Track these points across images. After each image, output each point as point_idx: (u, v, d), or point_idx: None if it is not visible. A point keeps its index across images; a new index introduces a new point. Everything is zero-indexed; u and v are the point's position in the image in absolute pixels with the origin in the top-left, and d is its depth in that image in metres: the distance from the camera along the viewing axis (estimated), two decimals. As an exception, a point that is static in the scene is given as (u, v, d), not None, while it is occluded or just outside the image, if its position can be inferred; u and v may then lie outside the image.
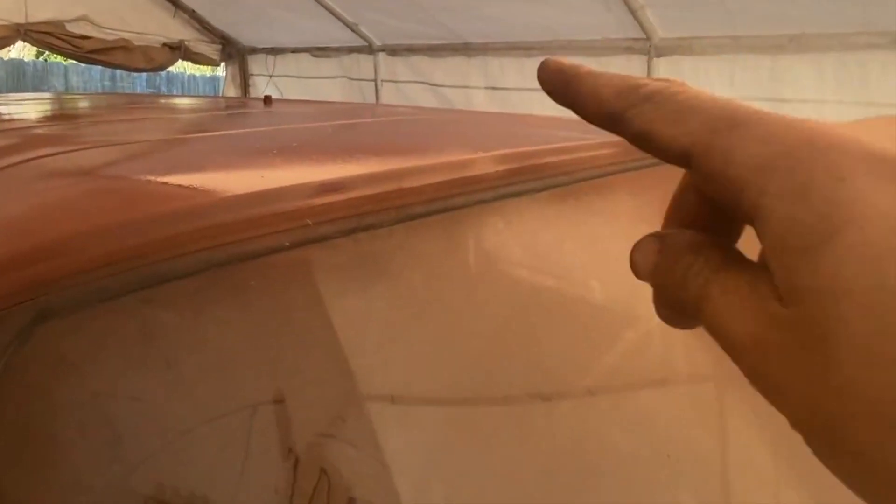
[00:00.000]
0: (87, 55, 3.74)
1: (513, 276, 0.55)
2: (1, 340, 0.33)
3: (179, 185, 0.42)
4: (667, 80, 0.18)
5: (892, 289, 0.12)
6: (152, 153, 0.55)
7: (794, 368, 0.14)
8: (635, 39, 2.21)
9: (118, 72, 5.94)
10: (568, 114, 0.20)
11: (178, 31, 4.25)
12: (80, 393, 0.33)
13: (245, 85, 4.78)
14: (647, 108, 0.17)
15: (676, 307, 0.18)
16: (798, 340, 0.14)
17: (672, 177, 0.20)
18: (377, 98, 3.64)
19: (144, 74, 6.04)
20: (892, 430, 0.12)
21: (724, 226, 0.18)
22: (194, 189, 0.42)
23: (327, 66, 3.98)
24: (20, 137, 0.67)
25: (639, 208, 0.75)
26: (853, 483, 0.14)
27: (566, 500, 0.42)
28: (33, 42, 3.59)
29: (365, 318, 0.42)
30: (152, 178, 0.45)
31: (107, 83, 7.38)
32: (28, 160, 0.54)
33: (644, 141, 0.17)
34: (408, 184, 0.51)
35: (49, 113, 1.03)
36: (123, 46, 3.88)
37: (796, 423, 0.14)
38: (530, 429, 0.47)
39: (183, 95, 1.94)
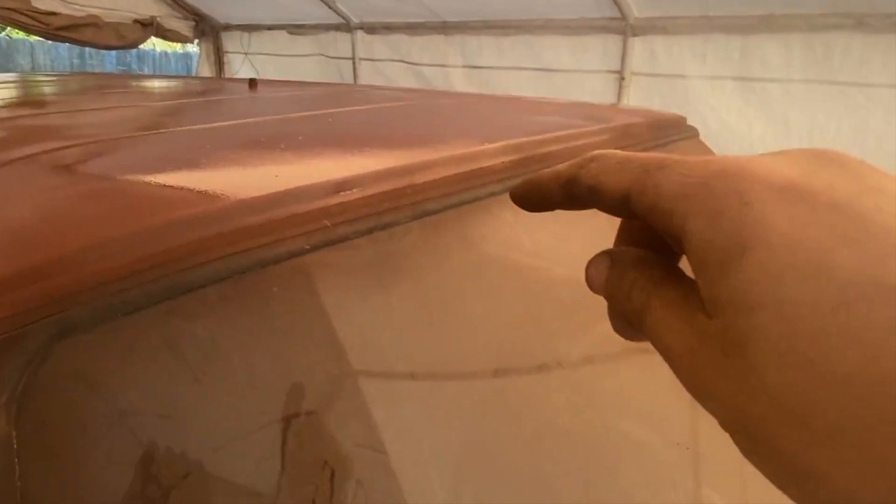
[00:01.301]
0: (55, 32, 3.53)
1: (529, 268, 0.54)
2: (20, 359, 0.31)
3: (196, 189, 0.39)
4: (609, 150, 0.21)
5: (794, 300, 0.14)
6: (155, 150, 0.51)
7: (719, 374, 0.15)
8: (611, 19, 2.18)
9: (87, 49, 5.64)
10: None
11: (150, 6, 4.03)
12: (106, 411, 0.31)
13: (220, 63, 4.59)
14: (594, 167, 0.20)
15: (625, 319, 0.19)
16: (721, 348, 0.15)
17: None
18: (355, 76, 3.53)
19: (115, 52, 5.75)
20: (804, 428, 0.13)
21: (665, 245, 0.20)
22: (212, 192, 0.39)
23: (304, 43, 3.84)
24: (10, 129, 0.62)
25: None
26: (776, 479, 0.15)
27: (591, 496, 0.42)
28: (-2, 19, 3.37)
29: (390, 319, 0.41)
30: (164, 179, 0.41)
31: (75, 61, 6.98)
32: (27, 156, 0.50)
33: (593, 193, 0.19)
34: (421, 179, 0.49)
35: (33, 99, 0.96)
36: (93, 23, 3.67)
37: (724, 424, 0.15)
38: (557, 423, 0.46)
39: (158, 76, 1.85)
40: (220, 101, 0.93)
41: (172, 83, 1.48)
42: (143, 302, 0.33)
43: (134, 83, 1.49)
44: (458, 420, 0.39)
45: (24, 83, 1.47)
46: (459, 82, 2.85)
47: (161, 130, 0.57)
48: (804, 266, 0.14)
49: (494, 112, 0.82)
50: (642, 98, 2.19)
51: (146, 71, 7.75)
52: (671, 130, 0.95)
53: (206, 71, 4.61)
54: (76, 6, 3.61)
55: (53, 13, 3.48)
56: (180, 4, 4.20)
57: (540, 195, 0.22)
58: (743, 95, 1.92)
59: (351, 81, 3.60)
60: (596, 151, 0.20)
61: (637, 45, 2.15)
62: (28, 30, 3.51)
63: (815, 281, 0.14)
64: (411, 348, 0.40)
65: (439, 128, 0.65)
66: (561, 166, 0.21)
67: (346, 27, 3.44)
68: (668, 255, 0.20)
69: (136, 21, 3.94)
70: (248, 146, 0.53)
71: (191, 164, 0.46)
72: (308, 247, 0.39)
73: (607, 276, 0.20)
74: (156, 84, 1.45)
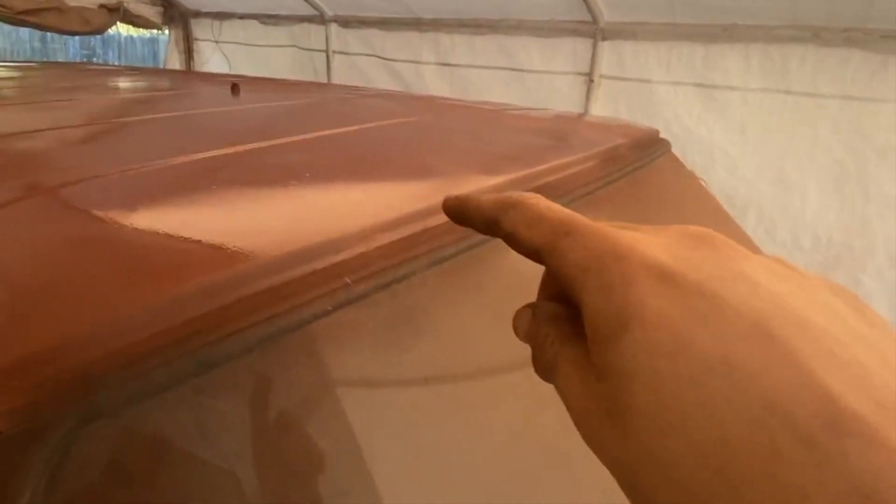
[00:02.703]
0: (17, 17, 3.28)
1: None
2: (41, 453, 0.28)
3: (211, 244, 0.37)
4: (531, 194, 0.23)
5: (661, 373, 0.15)
6: (155, 188, 0.48)
7: (606, 432, 0.16)
8: (582, 22, 2.17)
9: (49, 33, 5.28)
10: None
11: (115, -9, 3.80)
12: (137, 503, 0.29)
13: (189, 51, 4.38)
14: (513, 214, 0.21)
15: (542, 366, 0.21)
16: (607, 410, 0.16)
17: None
18: (328, 69, 3.43)
19: (78, 37, 5.41)
20: (673, 485, 0.14)
21: None
22: (230, 250, 0.36)
23: (277, 34, 3.70)
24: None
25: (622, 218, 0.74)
26: None
27: None
28: (-47, 1, 3.11)
29: (416, 377, 0.39)
30: (175, 230, 0.39)
31: (36, 45, 6.50)
32: (19, 199, 0.46)
33: (511, 240, 0.21)
34: (434, 223, 0.47)
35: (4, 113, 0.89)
36: (57, 7, 3.44)
37: (612, 473, 0.17)
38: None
39: (129, 71, 1.73)
40: (208, 116, 0.88)
41: (147, 83, 1.40)
42: (169, 381, 0.31)
43: (105, 82, 1.40)
44: (486, 478, 0.38)
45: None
46: (433, 80, 2.81)
47: (155, 162, 0.54)
48: (670, 342, 0.15)
49: (484, 133, 0.80)
50: (609, 101, 2.20)
51: (111, 56, 7.30)
52: (649, 149, 0.96)
53: (175, 58, 4.39)
54: (37, -11, 3.36)
55: (13, -4, 3.24)
56: (147, -11, 3.97)
57: (467, 218, 0.24)
58: (704, 102, 1.95)
59: (324, 73, 3.50)
60: (518, 196, 0.22)
61: (606, 49, 2.15)
62: (-14, 13, 3.25)
63: (677, 356, 0.15)
64: (441, 411, 0.39)
65: (439, 155, 0.64)
66: (486, 202, 0.23)
67: (319, 19, 3.33)
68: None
69: (101, 6, 3.71)
70: (253, 183, 0.50)
71: (197, 207, 0.43)
72: (330, 308, 0.37)
73: (527, 327, 0.21)
74: (129, 85, 1.37)
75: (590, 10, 2.10)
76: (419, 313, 0.42)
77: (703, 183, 1.26)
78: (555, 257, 0.19)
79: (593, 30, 2.16)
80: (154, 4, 4.09)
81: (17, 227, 0.42)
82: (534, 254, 0.21)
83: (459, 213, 0.25)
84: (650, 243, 0.18)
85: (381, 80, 3.10)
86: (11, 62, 2.10)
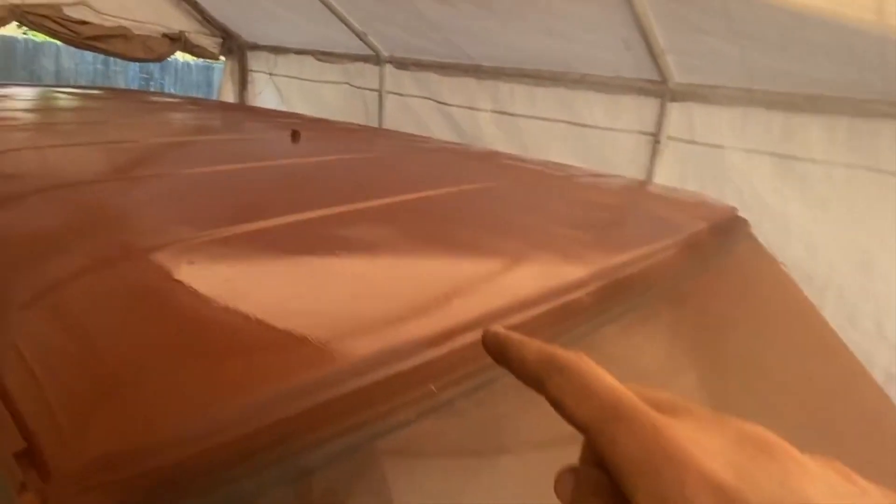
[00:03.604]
0: (85, 42, 3.58)
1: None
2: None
3: (297, 334, 0.38)
4: (577, 355, 0.25)
5: None
6: (235, 260, 0.50)
7: None
8: (650, 81, 2.21)
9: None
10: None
11: (179, 21, 4.11)
12: None
13: (243, 81, 4.66)
14: (558, 381, 0.23)
15: None
16: None
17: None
18: (380, 109, 3.57)
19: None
20: None
21: None
22: (319, 344, 0.37)
23: (331, 70, 3.89)
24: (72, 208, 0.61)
25: (697, 317, 0.73)
26: None
27: None
28: (29, 25, 3.42)
29: (500, 497, 0.39)
30: (261, 317, 0.40)
31: (99, 66, 7.14)
32: (108, 262, 0.49)
33: (556, 406, 0.23)
34: (518, 320, 0.48)
35: (77, 153, 0.96)
36: (122, 35, 3.74)
37: None
38: None
39: (189, 106, 1.85)
40: (279, 170, 0.92)
41: (209, 122, 1.49)
42: (257, 489, 0.31)
43: (167, 119, 1.50)
44: None
45: (46, 108, 1.47)
46: (488, 127, 2.87)
47: (235, 227, 0.57)
48: None
49: (560, 209, 0.81)
50: (676, 164, 2.20)
51: (168, 81, 7.89)
52: (730, 234, 0.95)
53: (229, 88, 4.67)
54: (106, 17, 3.67)
55: (84, 22, 3.55)
56: (209, 21, 4.28)
57: (507, 363, 0.26)
58: (781, 173, 1.92)
59: (376, 112, 3.63)
60: (564, 360, 0.24)
61: (675, 110, 2.17)
62: (58, 37, 3.56)
63: None
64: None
65: (518, 238, 0.65)
66: (530, 356, 0.25)
67: (375, 59, 3.49)
68: None
69: (164, 35, 4.01)
70: (337, 257, 0.52)
71: (283, 287, 0.45)
72: (414, 417, 0.37)
73: (571, 495, 0.23)
74: (193, 123, 1.46)
75: (659, 70, 2.13)
76: (504, 424, 0.42)
77: (784, 268, 1.22)
78: (603, 442, 0.21)
79: (662, 90, 2.18)
80: (213, 36, 4.39)
81: (108, 297, 0.45)
82: (581, 430, 0.22)
83: (499, 354, 0.27)
84: (706, 448, 0.19)
85: (434, 123, 3.19)
86: (74, 88, 2.27)
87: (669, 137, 2.20)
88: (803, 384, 0.74)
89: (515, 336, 0.27)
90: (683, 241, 0.77)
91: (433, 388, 0.39)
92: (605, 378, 0.23)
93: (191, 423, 0.32)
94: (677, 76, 2.14)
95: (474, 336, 0.45)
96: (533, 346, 0.26)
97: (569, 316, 0.52)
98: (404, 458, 0.37)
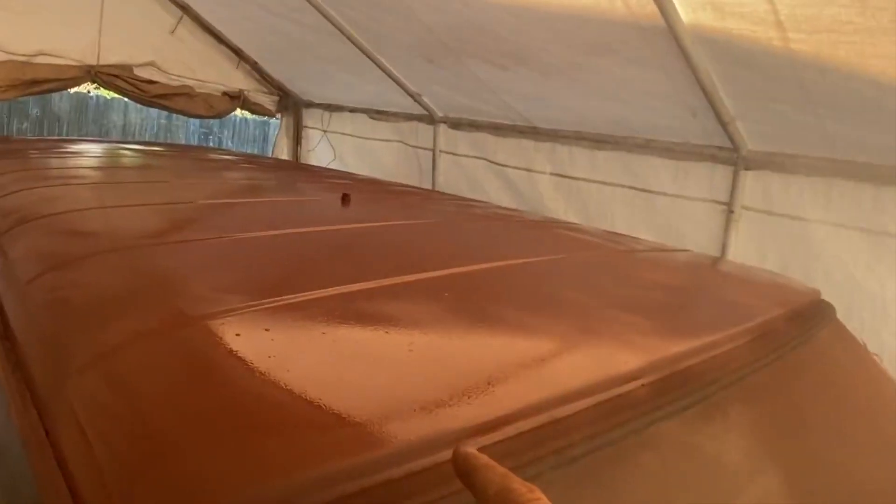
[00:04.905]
0: (151, 99, 3.95)
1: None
2: None
3: (342, 419, 0.41)
4: (532, 491, 0.28)
5: None
6: (287, 329, 0.54)
7: None
8: (721, 148, 2.21)
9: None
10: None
11: (239, 80, 4.48)
12: None
13: (298, 137, 4.97)
14: None
15: None
16: None
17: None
18: (434, 168, 3.70)
19: (198, 116, 6.36)
20: None
21: None
22: (362, 428, 0.40)
23: (384, 129, 4.10)
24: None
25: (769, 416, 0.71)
26: None
27: None
28: (102, 84, 3.82)
29: None
30: (306, 395, 0.43)
31: (163, 121, 7.99)
32: (167, 328, 0.54)
33: None
34: (564, 413, 0.49)
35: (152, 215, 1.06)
36: (186, 93, 4.10)
37: None
38: None
39: (245, 163, 2.00)
40: (325, 235, 0.98)
41: (264, 182, 1.60)
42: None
43: (224, 177, 1.62)
44: None
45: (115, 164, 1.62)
46: (547, 190, 2.92)
47: (284, 297, 0.61)
48: None
49: (624, 291, 0.82)
50: (753, 236, 2.16)
51: (226, 135, 8.68)
52: (810, 321, 0.92)
53: (284, 143, 5.00)
54: (172, 76, 4.06)
55: (152, 82, 3.93)
56: (267, 80, 4.65)
57: (469, 487, 0.30)
58: (875, 250, 1.85)
59: (429, 171, 3.77)
60: (518, 495, 0.28)
61: (749, 179, 2.15)
62: (127, 95, 3.95)
63: None
64: None
65: (578, 325, 0.66)
66: (491, 489, 0.29)
67: (429, 119, 3.66)
68: None
69: (224, 93, 4.37)
70: (380, 332, 0.55)
71: (321, 369, 0.48)
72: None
73: None
74: (248, 183, 1.57)
75: (730, 137, 2.14)
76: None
77: (876, 359, 1.16)
78: None
79: (734, 157, 2.18)
80: (271, 94, 4.75)
81: (159, 364, 0.49)
82: None
83: (464, 476, 0.30)
84: None
85: (490, 184, 3.28)
86: (138, 145, 2.49)
87: (744, 207, 2.17)
88: (893, 488, 0.70)
89: (482, 461, 0.30)
90: (755, 329, 0.76)
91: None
92: None
93: (230, 500, 0.35)
94: (750, 143, 2.13)
95: (519, 427, 0.46)
96: (495, 475, 0.29)
97: (621, 409, 0.52)
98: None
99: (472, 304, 0.68)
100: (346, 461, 0.38)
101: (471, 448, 0.31)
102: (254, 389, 0.44)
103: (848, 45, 1.49)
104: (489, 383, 0.48)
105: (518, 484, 0.28)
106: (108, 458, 0.40)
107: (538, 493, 0.28)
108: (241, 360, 0.48)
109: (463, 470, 0.30)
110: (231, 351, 0.49)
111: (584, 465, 0.46)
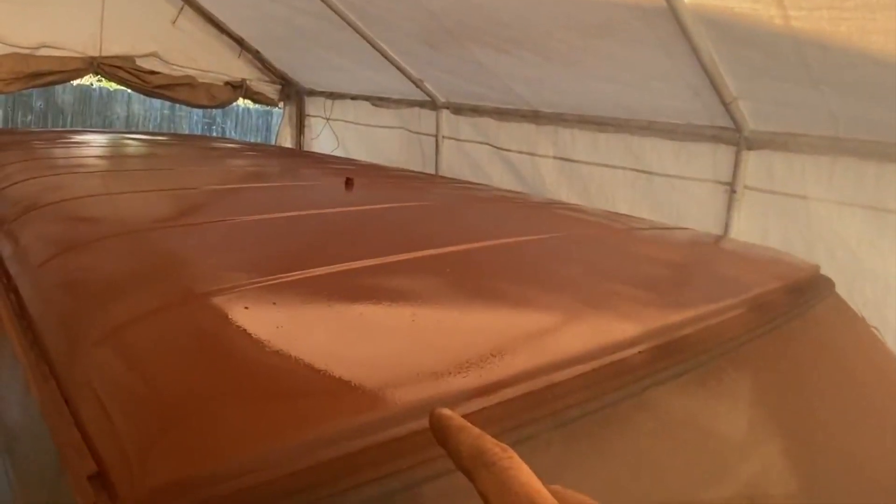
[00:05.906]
0: (154, 90, 3.97)
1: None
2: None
3: (345, 384, 0.42)
4: (505, 451, 0.29)
5: None
6: (287, 302, 0.56)
7: None
8: (723, 129, 2.21)
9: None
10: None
11: (241, 70, 4.48)
12: None
13: (300, 126, 4.97)
14: (485, 475, 0.28)
15: None
16: None
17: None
18: (437, 154, 3.71)
19: (201, 106, 6.37)
20: None
21: None
22: (365, 391, 0.42)
23: (387, 115, 4.11)
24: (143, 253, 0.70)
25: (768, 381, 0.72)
26: None
27: None
28: (104, 75, 3.83)
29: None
30: (306, 359, 0.45)
31: (166, 112, 8.07)
32: (172, 305, 0.56)
33: (483, 500, 0.28)
34: (559, 378, 0.50)
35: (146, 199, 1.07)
36: (188, 83, 4.11)
37: None
38: None
39: (249, 151, 2.02)
40: (336, 218, 0.99)
41: (268, 168, 1.62)
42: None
43: (227, 165, 1.63)
44: None
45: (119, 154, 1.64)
46: (550, 174, 2.93)
47: (288, 274, 0.63)
48: None
49: (619, 265, 0.83)
50: (756, 215, 2.16)
51: (229, 125, 8.73)
52: (807, 292, 0.93)
53: (287, 132, 5.00)
54: (174, 66, 4.07)
55: (154, 72, 3.94)
56: (269, 69, 4.65)
57: (445, 448, 0.31)
58: (878, 227, 1.85)
59: (432, 157, 3.78)
60: (492, 457, 0.29)
61: (752, 158, 2.16)
62: (129, 86, 3.96)
63: None
64: None
65: (569, 295, 0.68)
66: (465, 448, 0.30)
67: (431, 105, 3.66)
68: None
69: (227, 83, 4.38)
70: (382, 305, 0.57)
71: (324, 339, 0.50)
72: (445, 471, 0.41)
73: None
74: (253, 170, 1.59)
75: (732, 117, 2.13)
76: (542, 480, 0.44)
77: (876, 332, 1.18)
78: None
79: (736, 137, 2.18)
80: (273, 83, 4.75)
81: (170, 338, 0.51)
82: None
83: (440, 437, 0.31)
84: None
85: (493, 169, 3.28)
86: (142, 134, 2.51)
87: (746, 187, 2.18)
88: (890, 458, 0.72)
89: (456, 422, 0.31)
90: (752, 299, 0.78)
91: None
92: (527, 480, 0.27)
93: (239, 458, 0.37)
94: (752, 123, 2.13)
95: (516, 391, 0.48)
96: (469, 437, 0.30)
97: (618, 375, 0.54)
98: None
99: (474, 278, 0.70)
100: (350, 421, 0.40)
101: (446, 410, 0.32)
102: (263, 357, 0.46)
103: (849, 22, 1.48)
104: (490, 349, 0.50)
105: (491, 444, 0.29)
106: (125, 424, 0.42)
107: (510, 452, 0.29)
108: (250, 330, 0.50)
109: (438, 431, 0.31)
110: (240, 321, 0.51)
111: (580, 425, 0.48)
